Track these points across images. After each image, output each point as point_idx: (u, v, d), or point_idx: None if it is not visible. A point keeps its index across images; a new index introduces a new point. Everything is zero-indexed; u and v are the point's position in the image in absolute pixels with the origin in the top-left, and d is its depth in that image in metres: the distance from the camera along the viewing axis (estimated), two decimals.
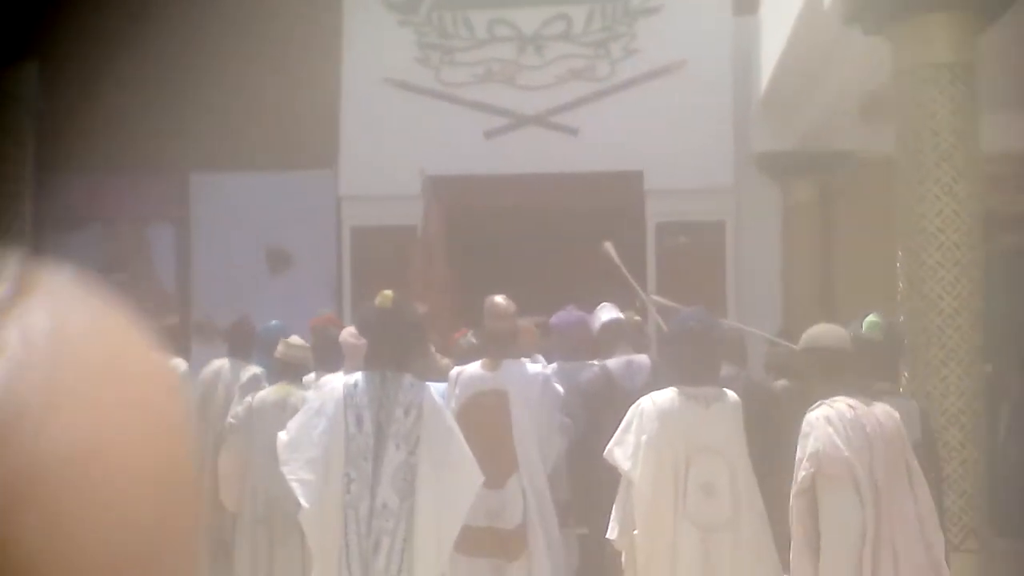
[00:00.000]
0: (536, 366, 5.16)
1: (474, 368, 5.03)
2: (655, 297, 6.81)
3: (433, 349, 5.91)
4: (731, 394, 4.20)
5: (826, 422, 3.74)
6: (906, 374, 5.21)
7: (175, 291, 10.95)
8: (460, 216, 10.15)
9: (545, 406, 4.95)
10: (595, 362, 5.48)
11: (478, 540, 4.70)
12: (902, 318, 5.23)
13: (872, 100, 7.27)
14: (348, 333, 5.56)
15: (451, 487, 4.08)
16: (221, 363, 6.86)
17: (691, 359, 4.18)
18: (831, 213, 9.93)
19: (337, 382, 4.32)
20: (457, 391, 4.96)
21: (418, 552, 4.00)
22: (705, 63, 9.75)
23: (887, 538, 3.69)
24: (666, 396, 4.13)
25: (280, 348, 5.85)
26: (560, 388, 5.17)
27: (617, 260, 6.27)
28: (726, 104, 9.80)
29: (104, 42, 10.23)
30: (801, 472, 3.73)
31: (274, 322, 6.81)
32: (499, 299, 5.08)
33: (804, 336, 4.15)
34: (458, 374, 5.04)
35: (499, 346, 4.98)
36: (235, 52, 10.14)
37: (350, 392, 4.15)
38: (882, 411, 3.84)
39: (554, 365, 5.45)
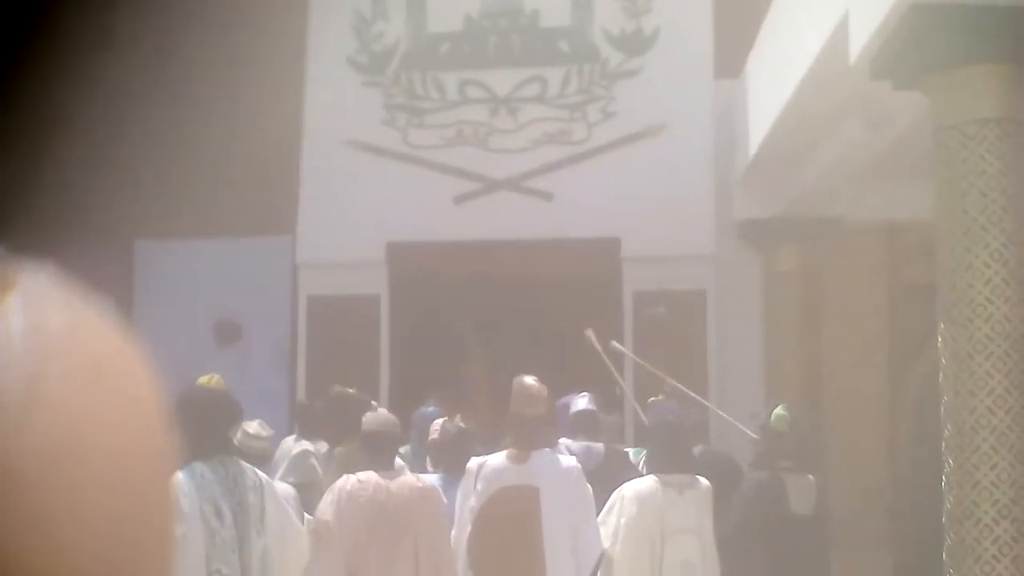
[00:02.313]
0: (571, 459, 4.57)
1: (499, 460, 4.41)
2: (641, 360, 6.60)
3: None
4: (703, 480, 4.81)
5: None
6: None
7: None
8: (426, 285, 9.60)
9: (581, 505, 4.33)
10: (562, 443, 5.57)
11: None
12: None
13: (879, 161, 6.90)
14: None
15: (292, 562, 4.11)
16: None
17: (666, 450, 4.81)
18: (816, 282, 9.54)
19: (179, 478, 4.00)
20: (479, 486, 4.31)
21: None
22: (685, 127, 9.40)
23: None
24: (645, 483, 4.76)
25: (238, 436, 5.17)
26: None
27: (599, 348, 6.37)
28: (707, 169, 9.44)
29: (46, 99, 9.59)
30: None
31: (430, 408, 6.25)
32: (529, 380, 4.49)
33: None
34: (479, 466, 4.40)
35: (529, 435, 4.36)
36: (188, 111, 9.55)
37: (200, 485, 3.93)
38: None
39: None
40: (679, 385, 6.55)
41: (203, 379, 4.25)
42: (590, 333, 6.32)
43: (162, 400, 0.44)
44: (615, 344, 6.30)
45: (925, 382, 8.94)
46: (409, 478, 4.52)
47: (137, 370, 0.43)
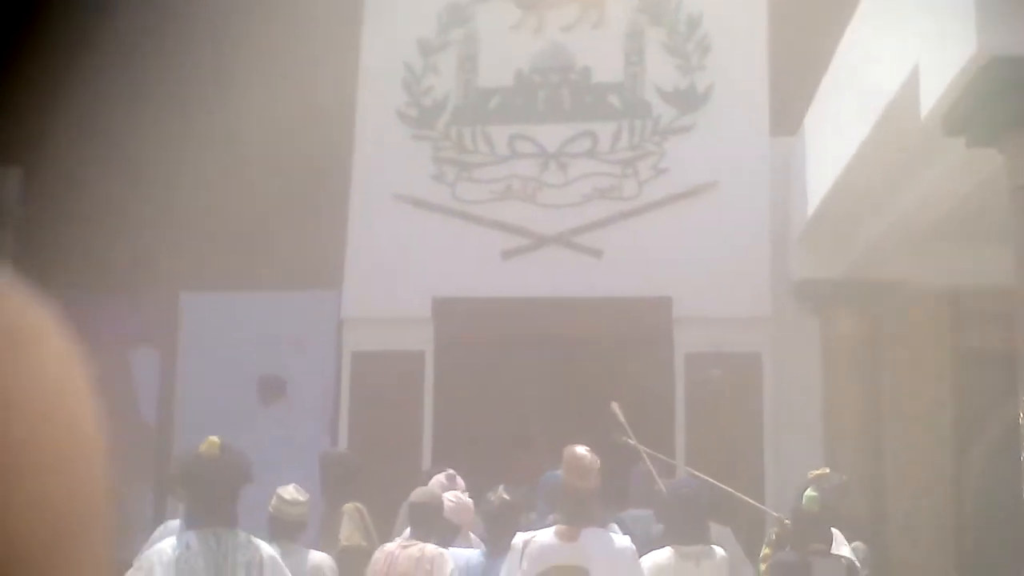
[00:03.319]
0: (624, 538, 4.29)
1: (547, 536, 4.13)
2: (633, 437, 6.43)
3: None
4: (719, 550, 4.89)
5: None
6: None
7: (155, 422, 10.06)
8: (472, 342, 9.40)
9: None
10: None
11: None
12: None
13: (944, 222, 6.59)
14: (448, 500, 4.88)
15: None
16: None
17: (683, 521, 4.86)
18: (876, 347, 9.18)
19: (165, 544, 3.87)
20: (524, 565, 4.04)
21: None
22: (740, 185, 9.15)
23: None
24: (663, 555, 4.79)
25: (272, 502, 4.96)
26: None
27: (623, 421, 6.26)
28: (762, 228, 9.16)
29: (96, 151, 9.63)
30: None
31: (559, 471, 6.13)
32: (581, 450, 4.23)
33: None
34: (525, 544, 4.13)
35: (580, 510, 4.09)
36: (237, 162, 9.52)
37: (183, 556, 3.74)
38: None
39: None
40: (690, 470, 6.58)
41: (203, 445, 3.96)
42: (615, 406, 6.24)
43: (87, 385, 0.45)
44: (614, 407, 6.21)
45: (992, 455, 8.55)
46: (419, 547, 4.39)
47: (66, 360, 0.44)
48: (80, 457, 0.42)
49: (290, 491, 5.03)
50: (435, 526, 4.67)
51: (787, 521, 5.45)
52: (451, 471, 5.70)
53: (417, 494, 4.72)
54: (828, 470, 5.82)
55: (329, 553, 5.13)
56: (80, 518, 0.41)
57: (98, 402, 0.45)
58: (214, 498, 3.86)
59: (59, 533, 0.40)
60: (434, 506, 4.65)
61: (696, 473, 6.53)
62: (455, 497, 5.17)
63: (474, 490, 5.70)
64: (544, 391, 9.41)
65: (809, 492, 5.17)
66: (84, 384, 0.44)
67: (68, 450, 0.42)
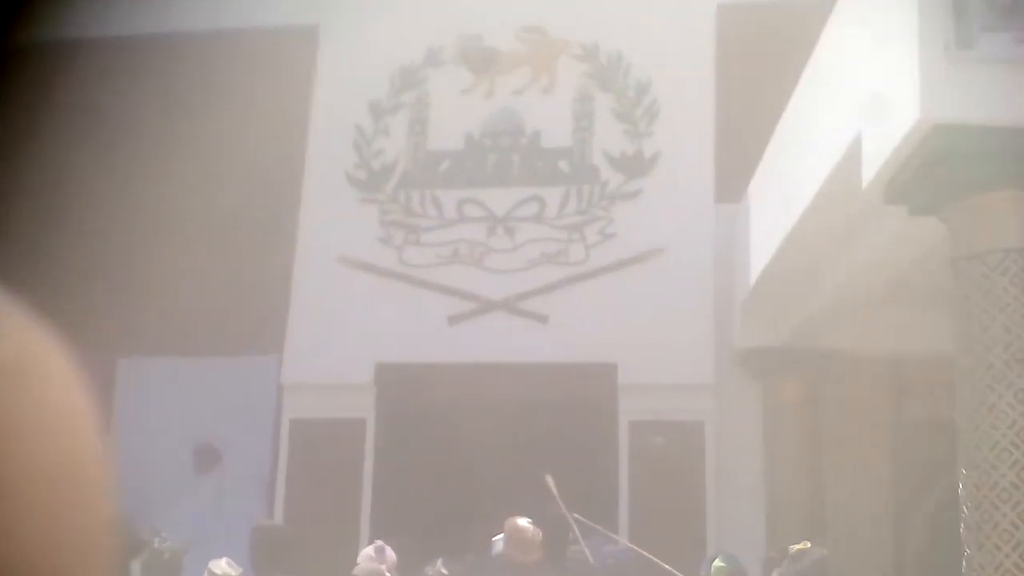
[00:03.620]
0: None
1: None
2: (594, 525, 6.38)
3: None
4: None
5: None
6: None
7: None
8: (415, 408, 9.25)
9: None
10: None
11: None
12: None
13: (887, 290, 6.64)
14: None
15: None
16: None
17: None
18: (819, 414, 9.20)
19: None
20: None
21: None
22: (685, 251, 9.20)
23: None
24: None
25: None
26: None
27: (555, 493, 6.23)
28: (707, 295, 9.20)
29: (31, 211, 9.42)
30: None
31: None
32: (523, 523, 4.11)
33: None
34: None
35: None
36: (176, 225, 9.36)
37: None
38: None
39: None
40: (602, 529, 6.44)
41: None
42: (549, 479, 6.21)
43: (91, 410, 0.45)
44: (548, 479, 6.21)
45: (933, 524, 8.56)
46: None
47: (61, 371, 0.44)
48: (82, 483, 0.43)
49: (222, 565, 4.83)
50: None
51: None
52: (380, 543, 5.51)
53: (360, 569, 4.54)
54: (809, 544, 5.66)
55: None
56: (82, 544, 0.42)
57: (100, 428, 0.45)
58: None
59: (62, 559, 0.41)
60: None
61: (632, 546, 6.47)
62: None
63: (414, 563, 5.53)
64: (488, 459, 9.25)
65: (718, 563, 5.10)
66: (86, 410, 0.44)
67: (70, 476, 0.42)
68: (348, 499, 9.05)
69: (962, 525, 4.61)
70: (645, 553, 6.10)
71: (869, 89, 4.90)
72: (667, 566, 6.17)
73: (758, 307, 8.69)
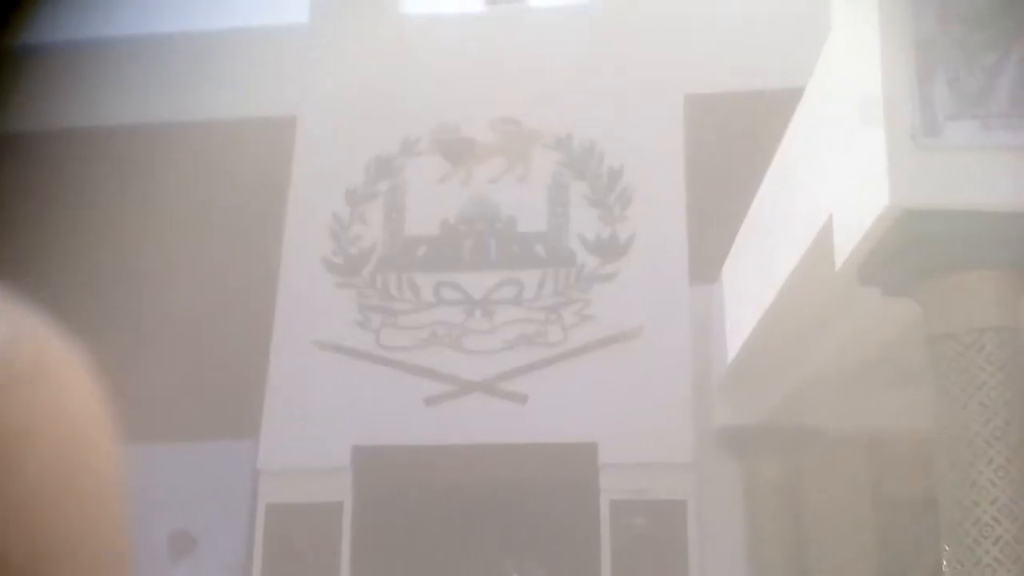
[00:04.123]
0: None
1: None
2: None
3: None
4: None
5: None
6: None
7: None
8: (393, 492, 9.18)
9: None
10: None
11: None
12: None
13: (864, 369, 6.73)
14: None
15: None
16: None
17: None
18: (800, 494, 9.21)
19: None
20: None
21: None
22: (662, 332, 9.29)
23: None
24: None
25: None
26: None
27: None
28: (685, 375, 9.26)
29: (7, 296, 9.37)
30: None
31: None
32: None
33: None
34: None
35: None
36: (150, 308, 9.34)
37: None
38: None
39: None
40: None
41: None
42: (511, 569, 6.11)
43: (104, 409, 0.45)
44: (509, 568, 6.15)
45: None
46: None
47: (77, 375, 0.45)
48: (98, 487, 0.43)
49: None
50: None
51: None
52: None
53: None
54: None
55: None
56: (98, 549, 0.42)
57: (117, 436, 0.45)
58: None
59: (78, 564, 0.41)
60: None
61: None
62: None
63: None
64: (468, 540, 9.17)
65: None
66: (102, 416, 0.45)
67: (87, 481, 0.42)
68: None
69: None
70: None
71: (840, 173, 5.04)
72: None
73: (736, 386, 8.76)
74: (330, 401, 9.29)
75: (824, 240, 5.29)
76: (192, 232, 9.42)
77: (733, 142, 9.26)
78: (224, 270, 9.48)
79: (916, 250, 4.48)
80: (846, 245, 4.97)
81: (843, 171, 5.00)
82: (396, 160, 10.01)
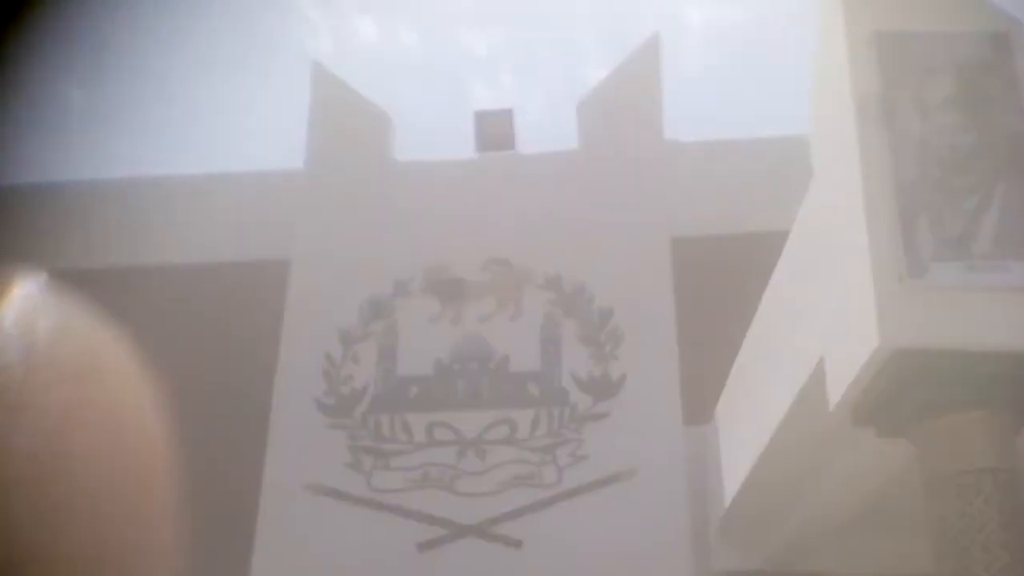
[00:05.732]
0: None
1: None
2: None
3: None
4: None
5: None
6: None
7: None
8: None
9: None
10: None
11: None
12: None
13: (865, 512, 6.61)
14: None
15: None
16: None
17: None
18: None
19: None
20: None
21: None
22: (657, 472, 9.14)
23: None
24: None
25: None
26: None
27: None
28: (681, 516, 9.07)
29: None
30: None
31: None
32: None
33: None
34: None
35: None
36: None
37: None
38: None
39: None
40: None
41: None
42: None
43: (153, 401, 0.46)
44: None
45: None
46: None
47: (127, 372, 0.44)
48: (148, 480, 0.44)
49: None
50: None
51: None
52: None
53: None
54: None
55: None
56: (150, 541, 0.43)
57: (165, 426, 0.46)
58: None
59: (131, 557, 0.41)
60: None
61: None
62: None
63: None
64: None
65: None
66: (152, 409, 0.45)
67: (137, 473, 0.43)
68: None
69: None
70: None
71: (830, 314, 5.07)
72: None
73: (734, 529, 8.59)
74: (321, 546, 9.06)
75: (817, 381, 5.27)
76: (181, 373, 9.36)
77: (721, 282, 9.36)
78: (214, 411, 9.38)
79: (908, 391, 4.46)
80: (839, 386, 4.95)
81: (832, 312, 5.03)
82: (389, 301, 10.06)
